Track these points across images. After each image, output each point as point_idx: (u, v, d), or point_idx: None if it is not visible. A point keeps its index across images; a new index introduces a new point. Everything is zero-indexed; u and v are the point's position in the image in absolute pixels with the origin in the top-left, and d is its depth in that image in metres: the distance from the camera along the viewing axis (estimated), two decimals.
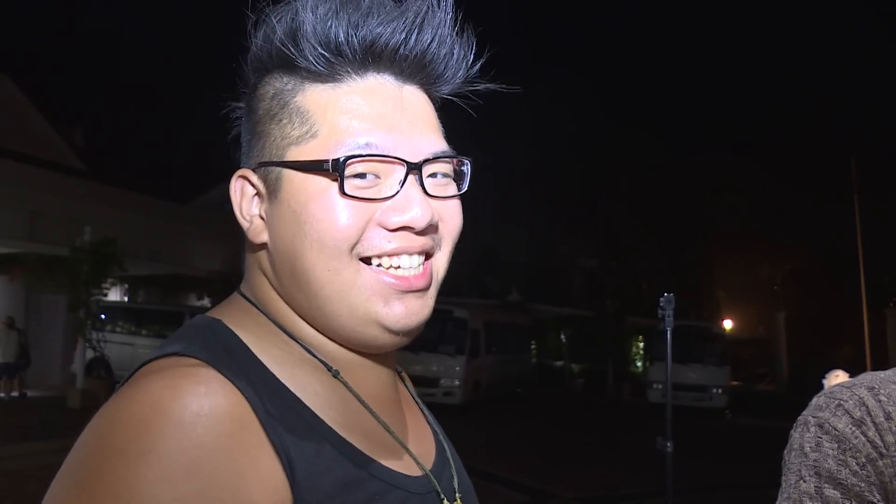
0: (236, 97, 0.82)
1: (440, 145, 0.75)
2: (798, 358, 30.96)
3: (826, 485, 0.90)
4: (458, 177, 0.78)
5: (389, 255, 0.72)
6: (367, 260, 0.72)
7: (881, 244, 23.36)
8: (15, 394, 15.22)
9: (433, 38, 0.74)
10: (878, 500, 0.89)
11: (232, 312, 0.75)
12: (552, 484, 10.11)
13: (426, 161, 0.73)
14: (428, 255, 0.75)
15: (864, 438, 0.91)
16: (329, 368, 0.74)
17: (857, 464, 0.90)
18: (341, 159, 0.69)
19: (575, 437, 15.33)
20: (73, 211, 16.56)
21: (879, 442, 0.90)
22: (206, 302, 21.08)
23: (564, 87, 30.25)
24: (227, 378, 0.64)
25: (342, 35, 0.71)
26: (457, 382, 18.12)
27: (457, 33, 0.76)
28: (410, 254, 0.73)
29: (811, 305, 31.58)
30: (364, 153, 0.70)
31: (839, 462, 0.90)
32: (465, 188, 0.78)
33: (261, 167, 0.74)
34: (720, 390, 20.74)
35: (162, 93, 42.06)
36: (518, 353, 23.74)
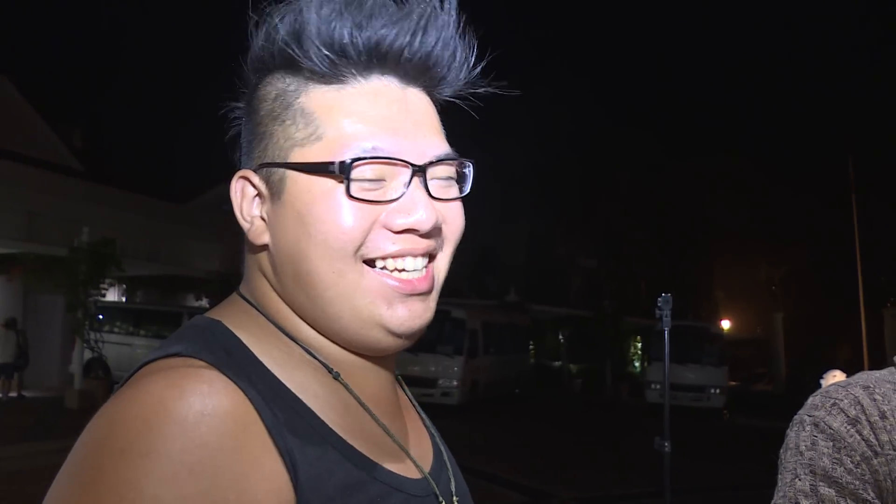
0: (235, 97, 0.81)
1: (444, 148, 0.75)
2: (796, 358, 31.02)
3: (821, 483, 0.90)
4: (459, 179, 0.78)
5: (394, 257, 0.72)
6: (370, 262, 0.71)
7: (879, 245, 23.39)
8: (13, 394, 15.21)
9: (437, 41, 0.74)
10: (873, 498, 0.89)
11: (231, 313, 0.75)
12: (550, 484, 10.11)
13: (430, 163, 0.73)
14: (431, 258, 0.75)
15: (859, 437, 0.91)
16: (330, 370, 0.73)
17: (852, 462, 0.90)
18: (348, 161, 0.69)
19: (573, 438, 15.34)
20: (71, 211, 16.55)
21: (874, 440, 0.91)
22: (204, 302, 21.06)
23: (563, 88, 30.31)
24: (229, 379, 0.63)
25: (346, 36, 0.70)
26: (455, 383, 18.12)
27: (460, 35, 0.76)
28: (415, 256, 0.73)
29: (809, 306, 31.63)
30: (370, 156, 0.70)
31: (834, 460, 0.91)
32: (468, 190, 0.78)
33: (263, 168, 0.74)
34: (718, 390, 20.76)
35: (160, 93, 42.08)
36: (516, 354, 23.75)
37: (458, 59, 0.77)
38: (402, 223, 0.71)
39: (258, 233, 0.74)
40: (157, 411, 0.59)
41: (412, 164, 0.71)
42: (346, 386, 0.74)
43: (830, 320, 30.21)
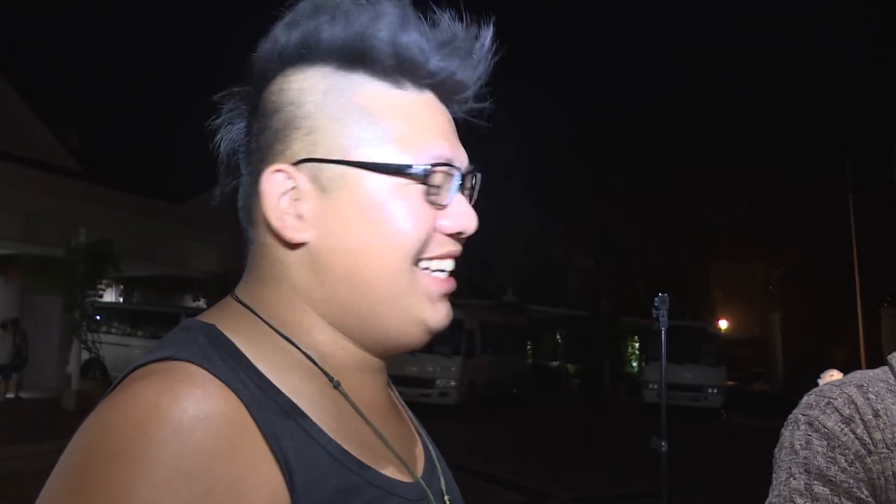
0: (242, 87, 0.79)
1: (467, 160, 0.80)
2: (793, 358, 31.08)
3: (816, 482, 0.91)
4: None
5: (439, 259, 0.76)
6: (415, 262, 0.75)
7: (876, 245, 23.41)
8: (10, 395, 15.19)
9: (479, 77, 0.79)
10: (867, 497, 0.89)
11: (225, 317, 0.73)
12: (548, 484, 10.12)
13: (468, 173, 0.79)
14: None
15: (853, 436, 0.91)
16: (330, 379, 0.73)
17: (847, 461, 0.91)
18: (428, 166, 0.73)
19: (571, 438, 15.35)
20: (68, 212, 16.54)
21: (868, 439, 0.91)
22: (201, 303, 21.03)
23: (561, 88, 30.33)
24: (223, 383, 0.63)
25: (419, 54, 0.74)
26: (453, 383, 18.14)
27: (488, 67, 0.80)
28: (454, 258, 0.78)
29: (806, 306, 31.69)
30: (441, 162, 0.74)
31: (829, 459, 0.91)
32: (475, 200, 0.82)
33: (306, 163, 0.73)
34: (716, 390, 20.79)
35: (157, 93, 42.02)
36: (514, 354, 23.77)
37: (481, 86, 0.81)
38: (453, 227, 0.76)
39: (295, 230, 0.73)
40: (151, 415, 0.58)
41: (462, 173, 0.77)
42: (346, 396, 0.73)
43: (828, 320, 30.27)
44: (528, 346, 27.64)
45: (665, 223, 31.71)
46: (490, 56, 0.78)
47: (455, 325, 18.32)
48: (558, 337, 29.69)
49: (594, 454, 13.26)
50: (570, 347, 29.11)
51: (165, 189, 23.41)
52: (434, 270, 0.76)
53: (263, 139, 0.75)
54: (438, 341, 17.80)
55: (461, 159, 0.77)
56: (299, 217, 0.73)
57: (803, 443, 0.94)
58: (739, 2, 44.33)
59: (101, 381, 15.11)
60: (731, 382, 24.34)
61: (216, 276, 18.68)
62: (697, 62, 43.09)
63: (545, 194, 29.50)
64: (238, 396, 0.63)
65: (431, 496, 0.76)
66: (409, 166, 0.72)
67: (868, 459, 0.90)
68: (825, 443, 0.92)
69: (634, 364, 30.54)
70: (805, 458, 0.93)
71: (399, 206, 0.72)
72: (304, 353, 0.73)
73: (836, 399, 0.95)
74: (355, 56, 0.73)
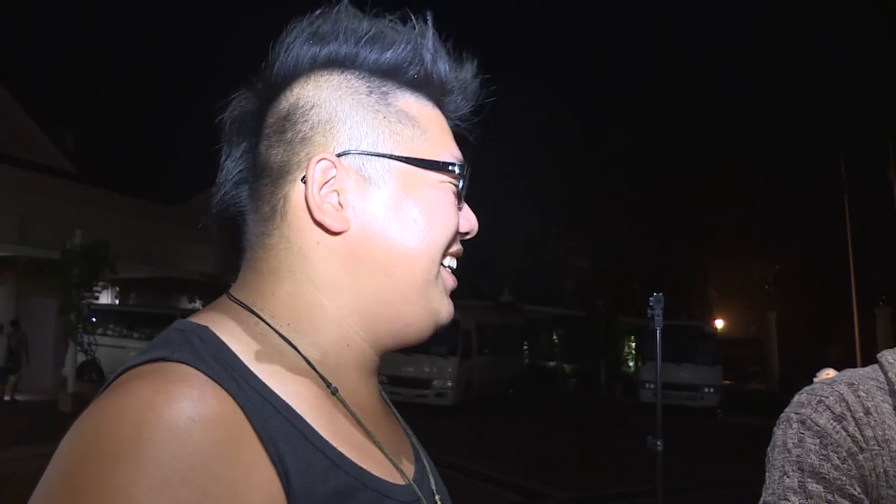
0: (256, 85, 0.81)
1: None
2: (789, 357, 31.10)
3: (809, 479, 0.92)
4: None
5: (453, 256, 0.82)
6: (444, 255, 0.80)
7: (871, 244, 23.48)
8: (7, 398, 15.15)
9: (473, 101, 0.87)
10: (859, 493, 0.90)
11: (221, 318, 0.73)
12: (545, 484, 10.12)
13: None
14: None
15: (844, 433, 0.92)
16: (328, 385, 0.73)
17: (839, 458, 0.91)
18: (463, 164, 0.80)
19: (568, 438, 15.36)
20: (63, 214, 16.49)
21: (859, 436, 0.92)
22: (197, 304, 21.01)
23: (557, 87, 30.34)
24: (219, 385, 0.62)
25: (446, 74, 0.82)
26: (449, 383, 18.13)
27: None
28: (458, 257, 0.84)
29: (802, 305, 31.74)
30: (464, 164, 0.80)
31: (821, 457, 0.92)
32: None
33: (353, 156, 0.75)
34: (712, 389, 20.81)
35: (153, 95, 41.97)
36: (511, 354, 23.77)
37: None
38: (466, 227, 0.83)
39: (336, 218, 0.74)
40: (147, 417, 0.57)
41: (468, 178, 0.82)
42: (343, 402, 0.74)
43: (824, 319, 30.34)
44: (525, 347, 27.65)
45: (662, 223, 31.75)
46: (480, 93, 0.86)
47: (452, 326, 18.26)
48: (555, 337, 29.71)
49: (591, 454, 13.27)
50: (567, 347, 29.13)
51: (161, 190, 23.39)
52: (446, 267, 0.81)
53: (297, 133, 0.77)
54: (435, 342, 17.74)
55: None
56: (341, 206, 0.75)
57: (796, 441, 0.94)
58: (737, 2, 44.44)
59: (97, 384, 15.04)
60: (727, 382, 24.37)
61: (212, 278, 18.65)
62: (695, 61, 43.18)
63: (542, 194, 29.52)
64: (234, 398, 0.62)
65: (423, 498, 0.76)
66: (451, 164, 0.79)
67: (860, 456, 0.91)
68: (818, 441, 0.93)
69: (631, 364, 30.59)
70: (798, 456, 0.93)
71: (441, 199, 0.78)
72: (302, 356, 0.73)
73: (827, 397, 0.96)
74: (391, 70, 0.79)
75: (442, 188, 0.78)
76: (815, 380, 4.82)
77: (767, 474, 0.97)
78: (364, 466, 0.70)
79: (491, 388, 20.95)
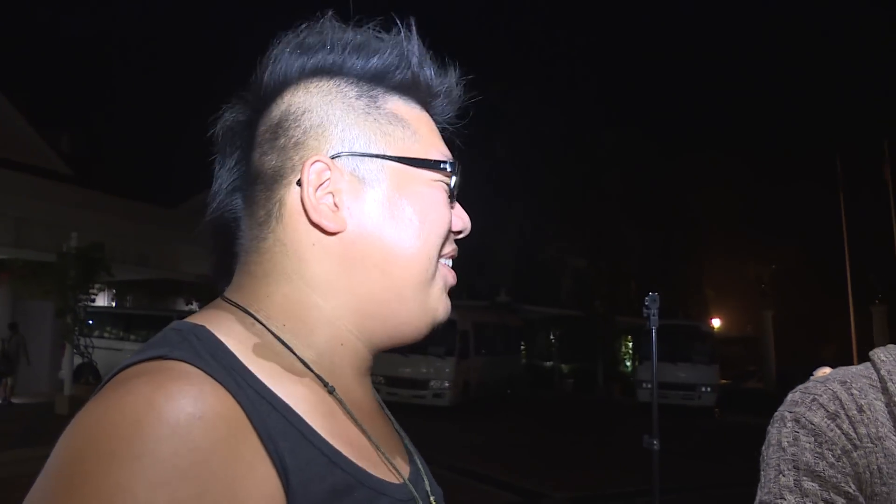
0: (249, 92, 0.83)
1: None
2: (786, 355, 31.13)
3: (804, 477, 0.92)
4: None
5: (449, 257, 0.83)
6: (440, 253, 0.81)
7: (867, 242, 23.51)
8: (2, 401, 15.12)
9: (457, 105, 0.89)
10: (854, 491, 0.91)
11: (217, 319, 0.73)
12: (543, 484, 10.12)
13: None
14: None
15: (839, 431, 0.93)
16: (325, 384, 0.74)
17: (834, 456, 0.92)
18: (455, 163, 0.81)
19: (565, 437, 15.37)
20: (59, 216, 16.45)
21: (853, 434, 0.92)
22: (194, 306, 20.99)
23: (553, 87, 30.33)
24: (219, 382, 0.63)
25: (431, 78, 0.84)
26: (446, 384, 18.12)
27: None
28: (453, 258, 0.85)
29: (799, 304, 31.77)
30: (455, 162, 0.81)
31: (816, 455, 0.92)
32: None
33: (347, 157, 0.77)
34: (709, 388, 20.82)
35: (148, 97, 41.88)
36: (508, 354, 23.75)
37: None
38: (459, 225, 0.83)
39: (332, 219, 0.75)
40: (147, 413, 0.58)
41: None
42: (340, 401, 0.74)
43: (820, 318, 30.36)
44: (522, 347, 27.64)
45: (657, 222, 31.76)
46: (462, 97, 0.88)
47: (448, 326, 18.37)
48: (552, 337, 29.72)
49: (588, 454, 13.27)
50: (564, 347, 29.14)
51: (157, 193, 23.35)
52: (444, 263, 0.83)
53: (290, 138, 0.78)
54: (432, 342, 17.78)
55: None
56: (336, 207, 0.76)
57: (791, 439, 0.95)
58: (733, 0, 44.51)
59: (93, 386, 14.60)
60: (724, 381, 24.36)
61: (208, 280, 18.61)
62: (690, 59, 43.22)
63: (538, 194, 29.52)
64: (233, 396, 0.63)
65: (418, 498, 0.77)
66: (443, 162, 0.80)
67: (854, 454, 0.92)
68: (812, 439, 0.93)
69: (628, 363, 30.59)
70: (793, 454, 0.94)
71: (434, 197, 0.79)
72: (297, 356, 0.73)
73: (820, 395, 0.96)
74: (379, 74, 0.81)
75: (434, 186, 0.79)
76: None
77: (763, 473, 0.97)
78: (360, 464, 0.71)
79: (488, 389, 20.94)
